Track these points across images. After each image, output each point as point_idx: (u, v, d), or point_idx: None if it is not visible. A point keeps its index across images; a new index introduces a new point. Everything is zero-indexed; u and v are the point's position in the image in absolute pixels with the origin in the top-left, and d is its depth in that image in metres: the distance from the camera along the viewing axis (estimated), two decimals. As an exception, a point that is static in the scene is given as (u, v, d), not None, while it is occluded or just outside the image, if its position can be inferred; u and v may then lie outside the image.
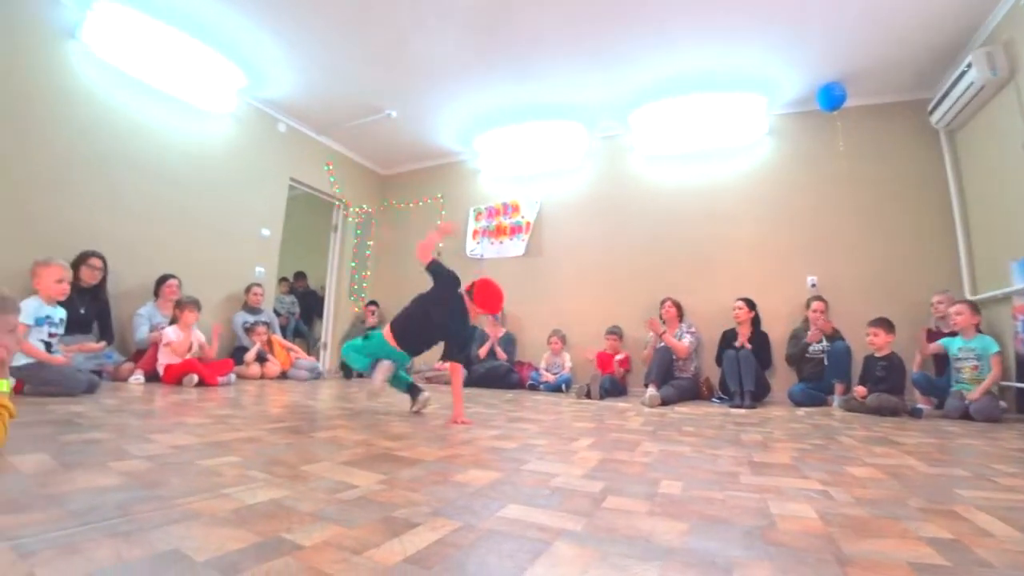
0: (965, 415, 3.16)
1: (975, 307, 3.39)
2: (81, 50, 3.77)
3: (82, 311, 3.61)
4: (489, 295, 2.71)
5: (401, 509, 1.10)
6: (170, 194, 4.38)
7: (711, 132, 4.84)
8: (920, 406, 3.40)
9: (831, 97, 4.23)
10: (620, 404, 3.87)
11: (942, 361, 3.62)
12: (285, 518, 1.00)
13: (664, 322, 4.52)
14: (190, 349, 3.88)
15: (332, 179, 5.99)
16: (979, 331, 3.33)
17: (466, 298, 2.72)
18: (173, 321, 3.99)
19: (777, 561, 0.90)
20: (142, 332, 3.97)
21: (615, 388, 4.51)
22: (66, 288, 3.12)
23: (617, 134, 5.39)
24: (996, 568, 0.90)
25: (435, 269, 2.77)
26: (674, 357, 4.36)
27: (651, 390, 3.87)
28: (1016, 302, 3.33)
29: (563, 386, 4.78)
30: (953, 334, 3.43)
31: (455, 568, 0.82)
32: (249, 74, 4.54)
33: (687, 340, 4.42)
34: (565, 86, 4.59)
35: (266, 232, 5.22)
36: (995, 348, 3.21)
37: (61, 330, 3.09)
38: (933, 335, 3.79)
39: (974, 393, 3.14)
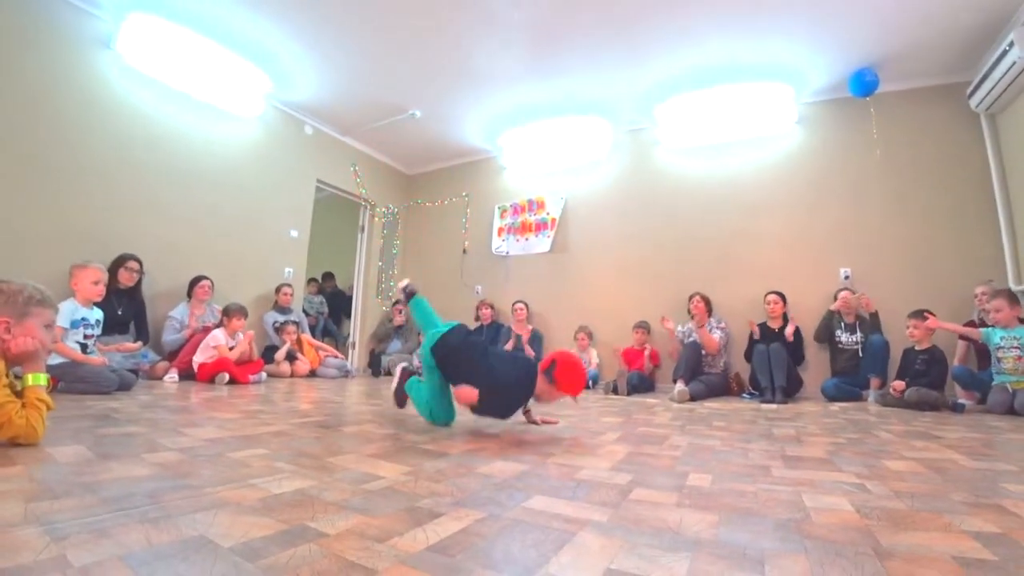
0: (1010, 410, 3.00)
1: (1014, 299, 3.21)
2: (115, 60, 3.92)
3: (119, 312, 3.75)
4: (575, 377, 2.04)
5: (425, 499, 1.10)
6: (201, 197, 4.51)
7: (738, 123, 4.72)
8: (962, 401, 3.25)
9: (862, 83, 4.08)
10: (648, 400, 3.82)
11: (984, 355, 3.46)
12: (310, 507, 1.01)
13: (693, 317, 4.43)
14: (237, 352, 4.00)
15: (358, 180, 6.07)
16: (1021, 322, 3.16)
17: (542, 378, 2.04)
18: (218, 324, 4.14)
19: (813, 554, 0.87)
20: (169, 334, 4.09)
21: (643, 384, 4.45)
22: (102, 290, 3.23)
23: (642, 127, 5.31)
24: None
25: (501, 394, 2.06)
26: (703, 352, 4.28)
27: (679, 385, 3.81)
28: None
29: (590, 382, 4.75)
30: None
31: (479, 556, 0.81)
32: (275, 78, 4.64)
33: (717, 335, 4.33)
34: (591, 82, 4.54)
35: (294, 233, 5.32)
36: None
37: (98, 331, 3.21)
38: (974, 328, 3.62)
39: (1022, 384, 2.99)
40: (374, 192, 6.31)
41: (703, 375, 4.19)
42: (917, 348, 3.49)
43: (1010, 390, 3.04)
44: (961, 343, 3.65)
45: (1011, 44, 3.28)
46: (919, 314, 3.51)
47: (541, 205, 5.84)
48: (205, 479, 1.18)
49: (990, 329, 3.23)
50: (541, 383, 2.02)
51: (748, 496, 1.22)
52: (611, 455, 1.68)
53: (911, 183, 4.21)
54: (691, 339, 4.35)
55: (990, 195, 3.92)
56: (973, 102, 3.90)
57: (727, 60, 4.15)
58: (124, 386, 2.95)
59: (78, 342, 3.01)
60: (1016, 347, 3.09)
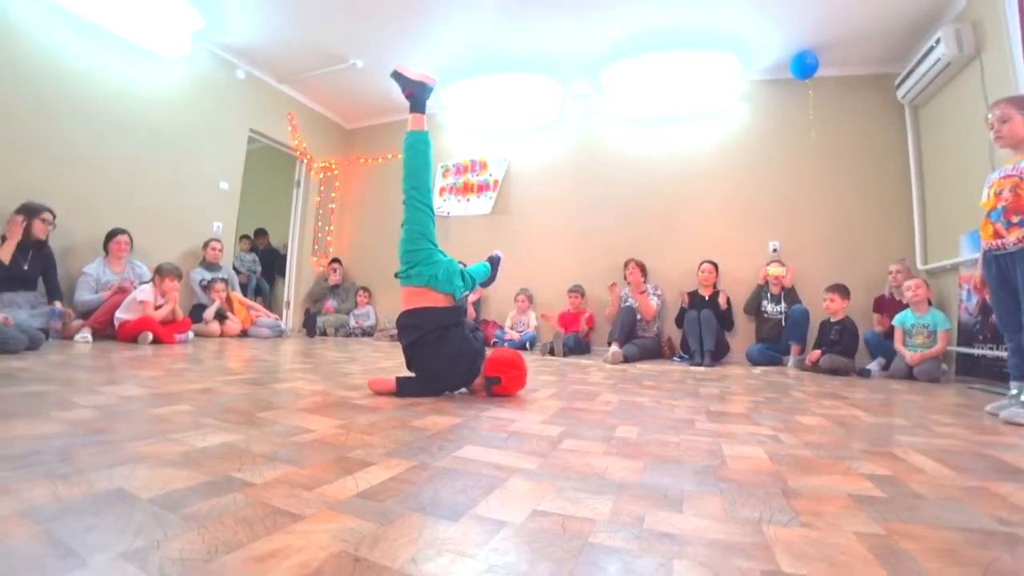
0: (909, 376, 3.34)
1: (927, 283, 3.52)
2: (11, -23, 3.43)
3: (25, 267, 3.40)
4: (517, 387, 2.00)
5: (356, 451, 1.09)
6: (120, 143, 4.09)
7: (684, 95, 4.78)
8: (869, 367, 3.56)
9: (803, 65, 4.22)
10: (583, 361, 3.93)
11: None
12: (236, 459, 0.98)
13: (628, 284, 4.55)
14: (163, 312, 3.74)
15: (294, 131, 5.72)
16: (930, 304, 3.48)
17: (481, 381, 1.95)
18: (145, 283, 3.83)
19: (727, 495, 0.93)
20: (85, 293, 3.76)
21: (579, 346, 4.57)
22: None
23: (588, 93, 5.28)
24: (927, 499, 0.95)
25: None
26: (638, 317, 4.43)
27: (614, 347, 3.94)
28: (963, 272, 3.48)
29: (527, 344, 4.82)
30: (905, 304, 3.56)
31: (408, 500, 0.81)
32: (206, 15, 4.21)
33: (654, 302, 4.48)
34: (536, 31, 4.35)
35: (224, 186, 4.98)
36: (946, 325, 3.35)
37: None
38: (885, 302, 3.95)
39: (915, 357, 3.31)
40: (312, 145, 5.97)
41: (637, 339, 4.35)
42: (832, 320, 3.77)
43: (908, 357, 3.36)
44: (876, 316, 3.97)
45: (938, 41, 3.47)
46: (836, 288, 3.78)
47: (484, 166, 5.75)
48: (122, 435, 1.11)
49: (901, 317, 3.51)
50: (477, 384, 1.95)
51: (671, 446, 1.29)
52: (544, 410, 1.71)
53: (839, 165, 4.45)
54: (627, 303, 4.48)
55: (907, 181, 4.22)
56: (900, 93, 4.13)
57: (677, 24, 4.11)
58: (32, 345, 2.71)
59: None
60: (924, 331, 3.39)
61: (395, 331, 5.41)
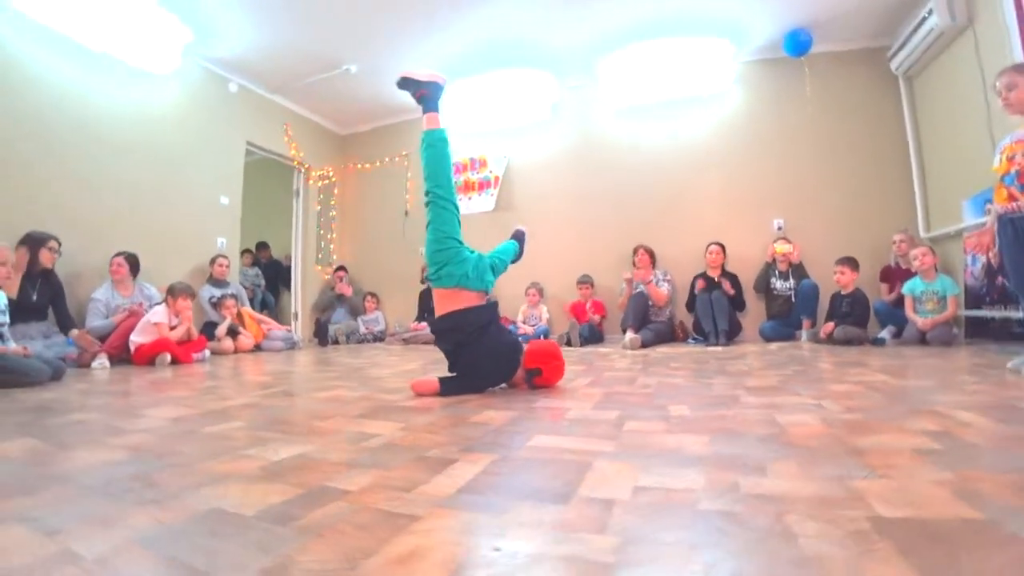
0: (922, 341, 3.40)
1: (932, 250, 3.59)
2: (2, 6, 3.39)
3: (35, 298, 3.38)
4: (558, 376, 2.03)
5: (432, 450, 1.11)
6: (119, 165, 4.06)
7: (679, 81, 4.80)
8: (882, 335, 3.63)
9: (797, 43, 4.27)
10: (601, 349, 3.97)
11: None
12: (318, 469, 0.98)
13: (638, 268, 4.60)
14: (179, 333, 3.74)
15: (290, 141, 5.70)
16: (937, 271, 3.54)
17: (522, 373, 1.97)
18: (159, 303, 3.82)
19: (801, 458, 0.97)
20: (95, 319, 3.75)
21: (593, 335, 4.61)
22: (7, 272, 2.89)
23: (584, 84, 5.29)
24: (983, 448, 1.01)
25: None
26: (650, 303, 4.48)
27: (630, 334, 3.98)
28: (966, 237, 3.53)
29: (541, 337, 4.86)
30: (912, 272, 3.63)
31: (510, 491, 0.84)
32: (196, 29, 4.18)
33: (664, 288, 4.53)
34: (531, 23, 4.36)
35: (225, 200, 4.96)
36: (955, 290, 3.42)
37: (5, 318, 2.88)
38: (892, 271, 4.02)
39: (926, 323, 3.38)
40: (308, 154, 5.95)
41: (651, 324, 4.40)
42: (843, 293, 3.83)
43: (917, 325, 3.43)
44: (883, 286, 4.04)
45: (930, 11, 3.51)
46: (845, 261, 3.84)
47: (483, 164, 5.76)
48: (189, 456, 1.10)
49: (910, 284, 3.57)
50: (518, 377, 1.97)
51: (727, 419, 1.33)
52: (589, 397, 1.75)
53: (838, 140, 4.50)
54: (639, 290, 4.52)
55: (906, 151, 4.28)
56: (894, 65, 4.19)
57: (669, 11, 4.16)
58: (56, 375, 2.70)
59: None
60: (934, 297, 3.46)
61: (407, 334, 5.47)
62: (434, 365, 3.06)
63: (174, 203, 4.49)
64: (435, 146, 2.10)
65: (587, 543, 0.63)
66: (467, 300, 1.94)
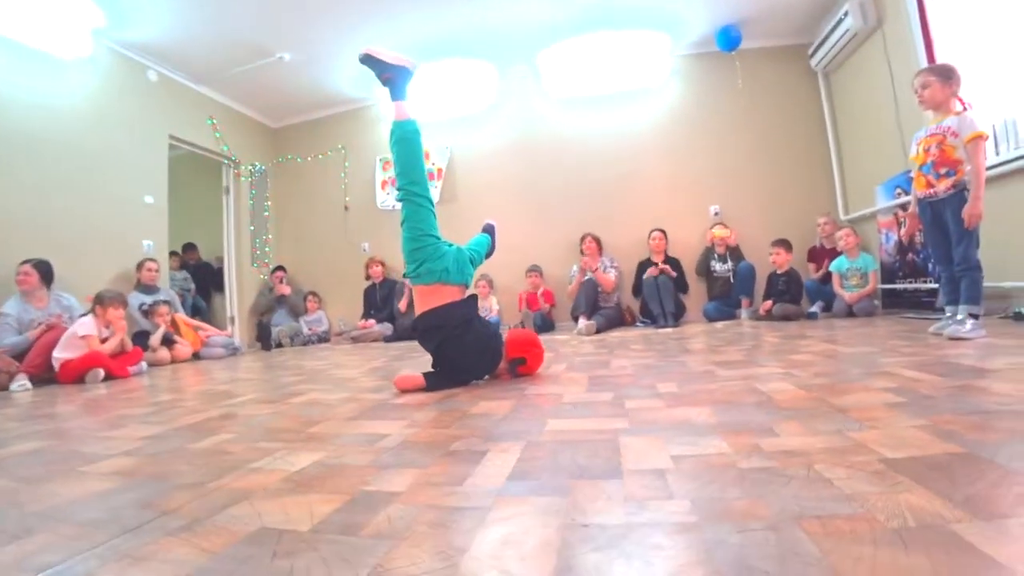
0: (850, 314, 3.80)
1: (854, 231, 3.98)
2: None
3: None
4: (539, 361, 2.09)
5: (454, 444, 1.11)
6: (23, 162, 3.63)
7: (618, 74, 4.97)
8: (814, 310, 4.00)
9: (728, 38, 4.56)
10: (557, 336, 4.07)
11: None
12: (347, 475, 0.94)
13: (586, 256, 4.73)
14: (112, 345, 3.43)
15: (218, 135, 5.33)
16: (859, 249, 3.94)
17: (505, 365, 2.01)
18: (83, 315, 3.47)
19: (798, 418, 1.08)
20: (7, 335, 3.37)
21: (545, 324, 4.72)
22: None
23: (527, 76, 5.34)
24: (937, 398, 1.17)
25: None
26: (600, 289, 4.63)
27: (583, 320, 4.11)
28: (880, 219, 3.96)
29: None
30: (837, 252, 4.02)
31: (557, 472, 0.87)
32: (107, 10, 3.79)
33: (612, 274, 4.70)
34: (470, 14, 4.31)
35: (149, 199, 4.57)
36: (875, 266, 3.86)
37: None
38: (818, 251, 4.44)
39: (852, 297, 3.78)
40: (238, 148, 5.60)
41: (600, 309, 4.56)
42: (779, 272, 4.17)
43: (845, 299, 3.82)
44: (811, 266, 4.44)
45: (846, 13, 3.87)
46: (780, 243, 4.19)
47: (426, 156, 5.68)
48: (193, 476, 1.01)
49: (836, 263, 3.97)
50: (501, 368, 2.00)
51: (716, 392, 1.43)
52: (575, 381, 1.82)
53: (768, 130, 4.87)
54: (587, 278, 4.66)
55: (826, 142, 4.72)
56: (813, 62, 4.59)
57: (604, 2, 4.26)
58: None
59: None
60: (858, 273, 3.86)
61: (355, 333, 5.33)
62: (399, 362, 3.03)
63: (92, 203, 4.09)
64: (407, 139, 2.05)
65: (663, 509, 0.68)
66: (449, 295, 1.94)
